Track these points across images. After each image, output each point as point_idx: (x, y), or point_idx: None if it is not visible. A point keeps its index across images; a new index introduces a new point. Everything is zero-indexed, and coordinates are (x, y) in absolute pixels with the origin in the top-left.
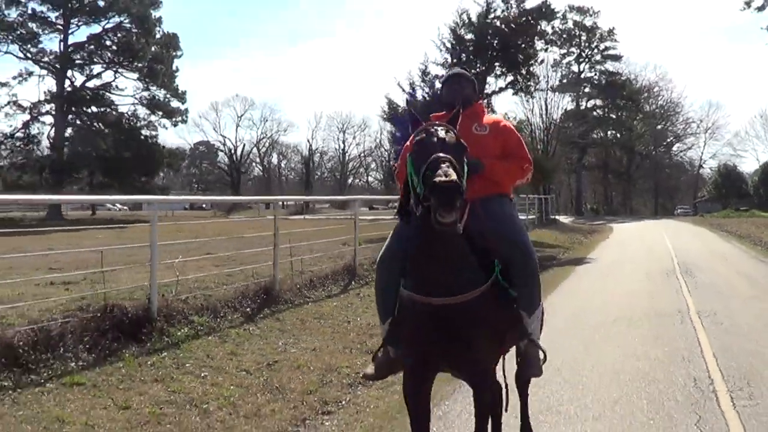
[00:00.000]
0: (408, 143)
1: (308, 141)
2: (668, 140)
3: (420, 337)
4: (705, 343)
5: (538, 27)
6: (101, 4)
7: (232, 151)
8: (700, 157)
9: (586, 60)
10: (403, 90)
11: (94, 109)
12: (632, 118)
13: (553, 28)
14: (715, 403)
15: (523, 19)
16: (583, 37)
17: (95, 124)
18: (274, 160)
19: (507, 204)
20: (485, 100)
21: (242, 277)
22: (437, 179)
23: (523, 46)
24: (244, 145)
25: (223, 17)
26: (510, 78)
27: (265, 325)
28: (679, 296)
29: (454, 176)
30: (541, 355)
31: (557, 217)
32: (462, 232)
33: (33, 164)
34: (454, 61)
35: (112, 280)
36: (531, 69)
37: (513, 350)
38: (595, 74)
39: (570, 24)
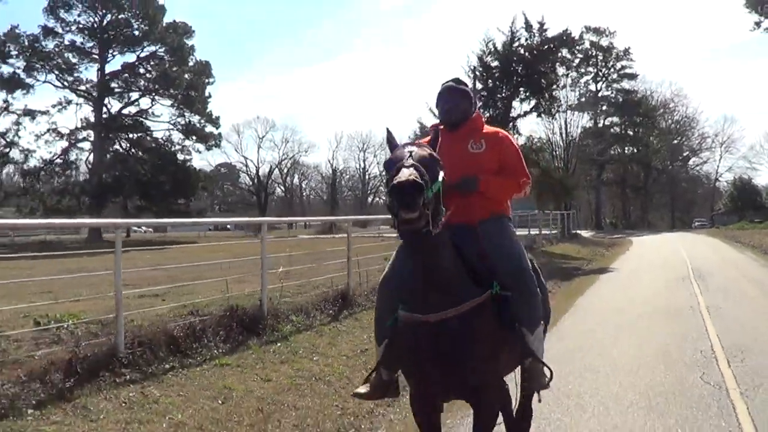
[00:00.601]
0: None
1: (329, 161)
2: (684, 155)
3: (418, 358)
4: (711, 328)
5: (560, 54)
6: (137, 33)
7: (257, 172)
8: (716, 170)
9: (603, 79)
10: (434, 114)
11: (130, 134)
12: (649, 134)
13: (573, 53)
14: (715, 365)
15: (545, 46)
16: (600, 57)
17: (132, 149)
18: (295, 180)
19: (505, 224)
20: (510, 123)
21: (314, 285)
22: (394, 181)
23: (545, 71)
24: (272, 167)
25: (243, 38)
26: (534, 102)
27: (347, 324)
28: (692, 296)
29: (411, 177)
30: (547, 372)
31: (578, 231)
32: (445, 241)
33: (72, 189)
34: (482, 86)
35: (188, 292)
36: (553, 93)
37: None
38: (612, 92)
39: (587, 44)
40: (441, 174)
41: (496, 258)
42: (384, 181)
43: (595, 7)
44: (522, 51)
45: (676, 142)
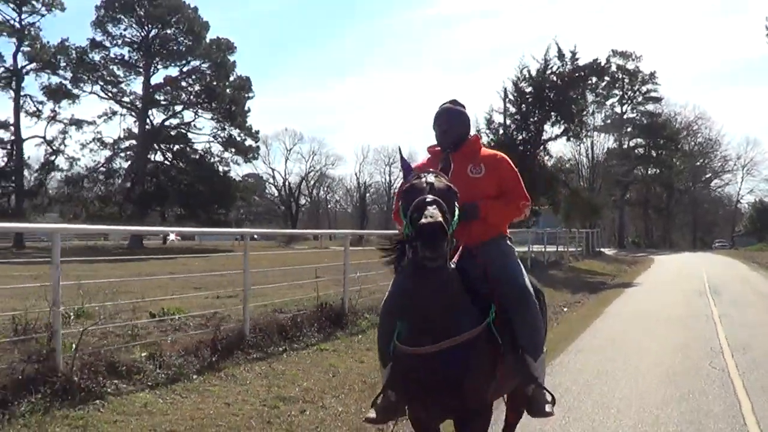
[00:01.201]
0: (401, 188)
1: (356, 174)
2: (707, 176)
3: (415, 389)
4: (720, 331)
5: (590, 81)
6: (182, 49)
7: (287, 184)
8: (737, 192)
9: (629, 101)
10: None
11: (172, 145)
12: (672, 156)
13: (602, 81)
14: (721, 356)
15: (577, 74)
16: (626, 80)
17: (174, 159)
18: (321, 192)
19: (506, 246)
20: (542, 146)
21: (370, 291)
22: (422, 221)
23: (576, 98)
24: (301, 179)
25: (272, 50)
26: (564, 126)
27: None
28: (707, 306)
29: (439, 218)
30: (549, 398)
31: (602, 249)
32: (452, 272)
33: (114, 196)
34: (515, 110)
35: (260, 294)
36: (583, 118)
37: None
38: (637, 115)
39: (614, 68)
40: (457, 207)
41: (497, 281)
42: (401, 207)
43: (621, 30)
44: (554, 78)
45: (699, 164)
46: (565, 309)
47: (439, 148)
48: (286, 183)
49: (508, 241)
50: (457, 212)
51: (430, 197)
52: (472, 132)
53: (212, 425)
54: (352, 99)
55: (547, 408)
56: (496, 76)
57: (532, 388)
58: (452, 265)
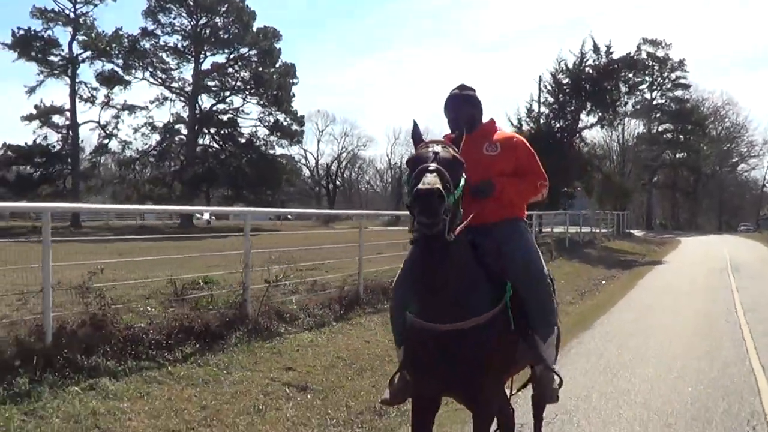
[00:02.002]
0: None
1: (387, 156)
2: (733, 160)
3: (423, 364)
4: (736, 298)
5: (623, 74)
6: (230, 37)
7: (324, 165)
8: (763, 176)
9: (658, 88)
10: (512, 124)
11: (221, 129)
12: (699, 141)
13: (634, 73)
14: (735, 315)
15: (611, 67)
16: (656, 68)
17: (222, 143)
18: (352, 173)
19: (521, 227)
20: (578, 134)
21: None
22: (419, 186)
23: (610, 89)
24: (333, 160)
25: (306, 30)
26: (599, 115)
27: None
28: (727, 280)
29: (436, 184)
30: (557, 381)
31: (631, 230)
32: (462, 245)
33: (164, 178)
34: (553, 100)
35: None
36: (617, 108)
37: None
38: (666, 101)
39: (643, 55)
40: (463, 178)
41: (510, 261)
42: (407, 178)
43: (651, 14)
44: (590, 70)
45: (725, 148)
46: (603, 282)
47: (453, 135)
48: (318, 164)
49: (523, 224)
50: (462, 182)
51: (432, 165)
52: (492, 116)
53: (362, 355)
54: (381, 79)
55: (554, 393)
56: (527, 56)
57: (540, 369)
58: (452, 236)
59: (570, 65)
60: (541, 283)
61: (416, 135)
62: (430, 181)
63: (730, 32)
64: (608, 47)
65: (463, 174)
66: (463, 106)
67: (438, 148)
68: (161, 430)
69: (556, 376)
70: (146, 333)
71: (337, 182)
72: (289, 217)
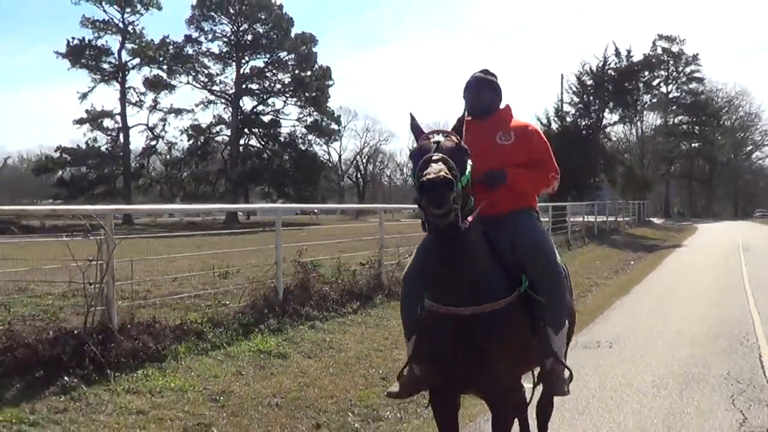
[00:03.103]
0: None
1: (409, 149)
2: (747, 149)
3: (440, 351)
4: (744, 271)
5: (642, 75)
6: (271, 43)
7: (339, 160)
8: None
9: (674, 82)
10: (541, 122)
11: (263, 130)
12: (714, 131)
13: (652, 75)
14: (742, 283)
15: (631, 69)
16: (671, 62)
17: (264, 143)
18: (374, 168)
19: (533, 218)
20: (602, 132)
21: None
22: (424, 177)
23: (631, 89)
24: (356, 155)
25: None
26: (621, 113)
27: None
28: (738, 258)
29: (442, 172)
30: (567, 374)
31: (650, 218)
32: (476, 235)
33: (208, 177)
34: (578, 100)
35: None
36: (637, 107)
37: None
38: (681, 94)
39: (659, 50)
40: (469, 164)
41: (524, 252)
42: (411, 172)
43: (665, 10)
44: (612, 72)
45: (740, 137)
46: (632, 262)
47: (470, 118)
48: (341, 159)
49: (535, 214)
50: (468, 170)
51: (436, 155)
52: (509, 103)
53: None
54: (399, 73)
55: (565, 386)
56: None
57: (550, 362)
58: (466, 224)
59: (594, 68)
60: (555, 274)
61: (415, 127)
62: (435, 169)
63: (741, 21)
64: (629, 51)
65: (469, 161)
66: (483, 89)
67: (440, 138)
68: (367, 347)
69: (566, 370)
70: (328, 295)
71: (359, 177)
72: (315, 212)
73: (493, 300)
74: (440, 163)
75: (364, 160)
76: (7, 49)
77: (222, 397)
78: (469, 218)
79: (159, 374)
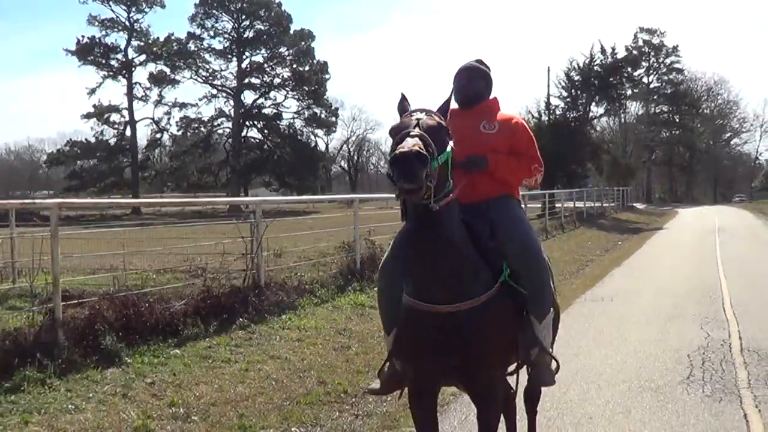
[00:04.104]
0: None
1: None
2: (726, 136)
3: (421, 348)
4: (717, 247)
5: (626, 71)
6: (271, 39)
7: (326, 149)
8: (756, 150)
9: (654, 72)
10: (532, 116)
11: (263, 123)
12: (693, 119)
13: (635, 69)
14: (715, 257)
15: (616, 65)
16: (652, 54)
17: (265, 134)
18: (360, 157)
19: (514, 205)
20: (589, 124)
21: None
22: (397, 150)
23: (615, 84)
24: (345, 145)
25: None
26: (606, 107)
27: None
28: (713, 238)
29: (416, 147)
30: (554, 365)
31: (633, 204)
32: (454, 220)
33: (210, 168)
34: (567, 94)
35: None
36: (622, 101)
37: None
38: (662, 84)
39: (640, 42)
40: (450, 144)
41: (505, 239)
42: (389, 149)
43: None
44: (598, 69)
45: (719, 124)
46: (620, 242)
47: (457, 107)
48: (328, 149)
49: (517, 202)
50: (448, 149)
51: (414, 131)
52: (496, 96)
53: None
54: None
55: (551, 376)
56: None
57: (535, 352)
58: (437, 207)
59: (580, 65)
60: (537, 261)
61: (402, 107)
62: (410, 143)
63: (720, 12)
64: (613, 49)
65: (450, 142)
66: (475, 78)
67: (422, 115)
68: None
69: (552, 360)
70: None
71: (346, 166)
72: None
73: (474, 291)
74: (417, 138)
75: (352, 150)
76: None
77: (345, 332)
78: (444, 200)
79: (296, 318)
